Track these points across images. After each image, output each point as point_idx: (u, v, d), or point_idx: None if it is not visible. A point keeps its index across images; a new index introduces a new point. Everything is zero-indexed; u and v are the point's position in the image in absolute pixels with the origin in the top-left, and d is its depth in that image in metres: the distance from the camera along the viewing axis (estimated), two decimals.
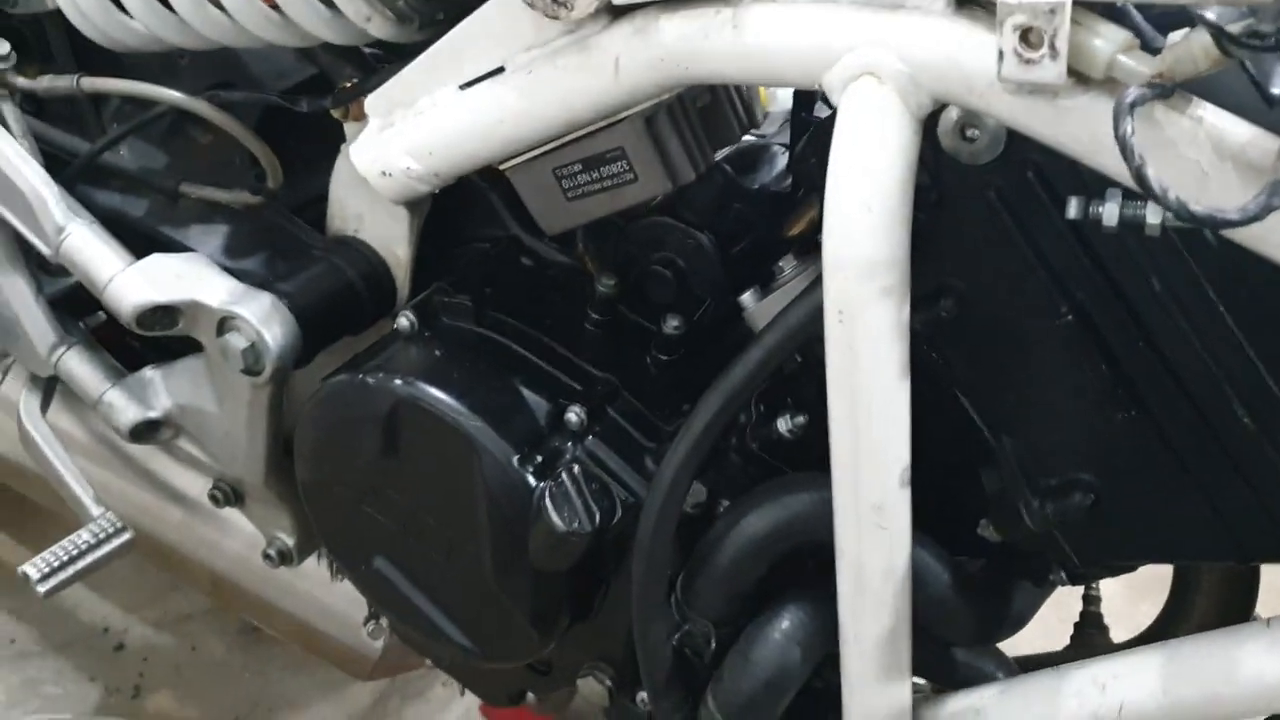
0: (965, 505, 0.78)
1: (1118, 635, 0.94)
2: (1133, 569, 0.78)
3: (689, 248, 0.87)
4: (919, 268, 0.66)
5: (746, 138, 0.93)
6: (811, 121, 0.85)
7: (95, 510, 1.04)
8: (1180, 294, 0.63)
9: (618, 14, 0.69)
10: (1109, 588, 0.97)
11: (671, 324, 0.86)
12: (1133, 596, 1.05)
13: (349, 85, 0.90)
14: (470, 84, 0.77)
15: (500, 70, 0.76)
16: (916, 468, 0.69)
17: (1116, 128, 0.49)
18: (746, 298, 0.83)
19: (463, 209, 0.94)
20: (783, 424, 0.82)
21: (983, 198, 0.66)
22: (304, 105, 0.94)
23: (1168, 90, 0.52)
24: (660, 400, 0.87)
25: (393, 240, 0.93)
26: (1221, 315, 0.63)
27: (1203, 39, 0.51)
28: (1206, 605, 0.86)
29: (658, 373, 0.88)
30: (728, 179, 0.90)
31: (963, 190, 0.66)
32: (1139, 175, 0.48)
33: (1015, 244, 0.66)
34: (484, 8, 0.75)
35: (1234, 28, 0.49)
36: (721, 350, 0.80)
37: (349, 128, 0.91)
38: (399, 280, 0.95)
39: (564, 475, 0.80)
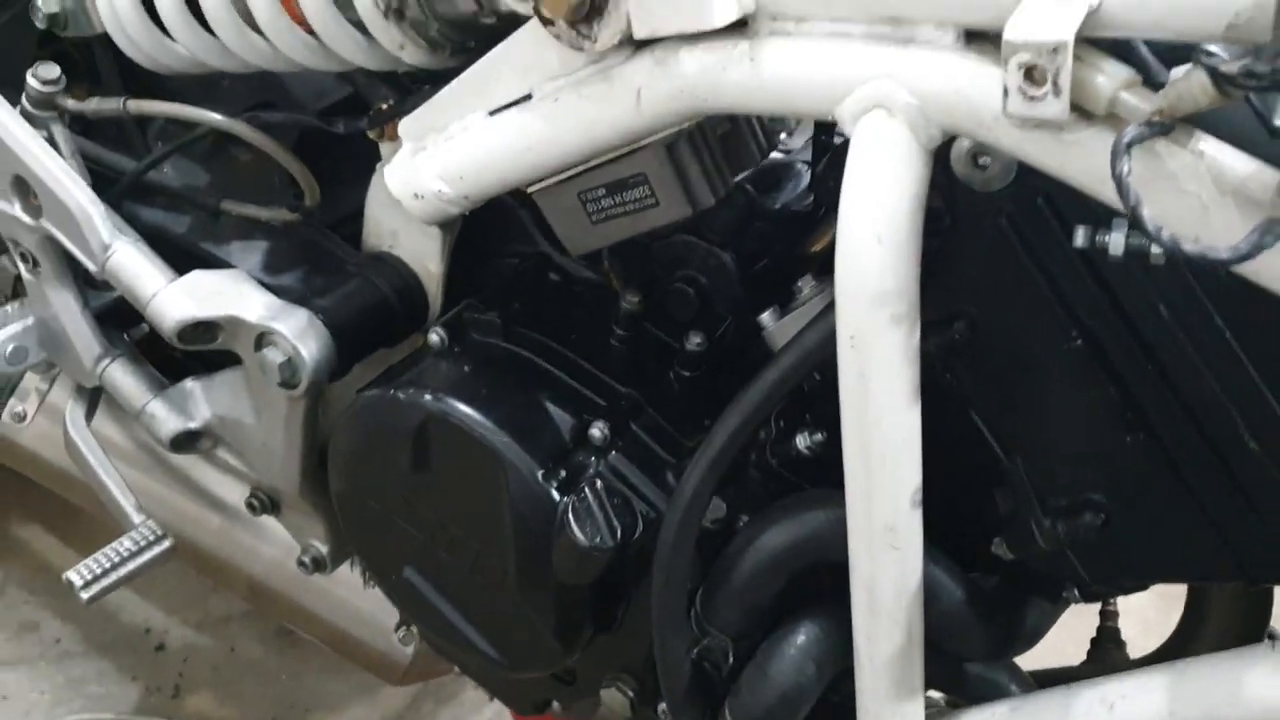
0: (981, 522, 0.79)
1: (1149, 645, 0.95)
2: (1144, 588, 0.79)
3: (711, 266, 0.88)
4: (933, 292, 0.67)
5: (773, 154, 0.95)
6: (832, 143, 0.87)
7: (137, 518, 1.07)
8: (1187, 320, 0.64)
9: (639, 46, 0.70)
10: (1140, 598, 0.97)
11: (694, 341, 0.87)
12: (1165, 606, 1.05)
13: (384, 107, 0.93)
14: (499, 110, 0.80)
15: (528, 98, 0.78)
16: (934, 486, 0.71)
17: (1114, 167, 0.50)
18: (765, 317, 0.84)
19: (494, 226, 0.96)
20: (801, 441, 0.83)
21: (994, 224, 0.68)
22: (341, 127, 0.97)
23: (1167, 127, 0.53)
24: (683, 415, 0.89)
25: (426, 256, 0.96)
26: (1228, 341, 0.64)
27: (1202, 76, 0.52)
28: (1221, 622, 0.86)
29: (680, 388, 0.89)
30: (749, 199, 0.92)
31: (975, 216, 0.68)
32: (1134, 214, 0.50)
33: (1026, 270, 0.68)
34: (512, 37, 0.77)
35: (1231, 67, 0.50)
36: (743, 367, 0.81)
37: (384, 147, 0.94)
38: (431, 294, 0.97)
39: (587, 490, 0.82)
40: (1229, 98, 0.51)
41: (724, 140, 0.77)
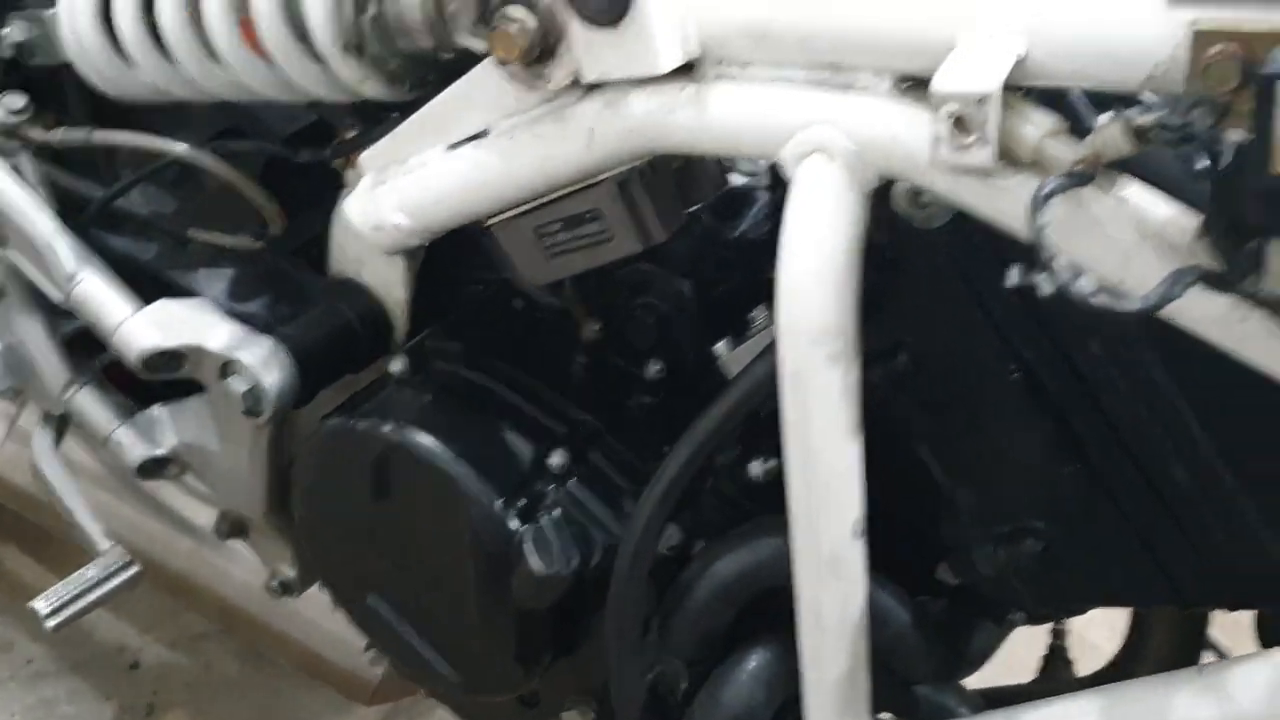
0: (927, 548, 0.81)
1: (1111, 650, 0.96)
2: (1085, 612, 0.81)
3: (670, 294, 0.90)
4: (876, 324, 0.69)
5: (737, 180, 0.96)
6: None
7: (103, 544, 1.08)
8: (1118, 354, 0.66)
9: (591, 87, 0.72)
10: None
11: (653, 368, 0.88)
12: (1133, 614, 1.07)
13: (347, 138, 0.94)
14: (457, 145, 0.81)
15: (485, 134, 0.79)
16: (880, 512, 0.72)
17: (1032, 218, 0.52)
18: (720, 347, 0.86)
19: (460, 252, 0.97)
20: (756, 468, 0.85)
21: (934, 260, 0.69)
22: (304, 156, 0.98)
23: (1087, 177, 0.55)
24: (642, 442, 0.90)
25: (390, 283, 0.97)
26: (1158, 375, 0.66)
27: (1122, 126, 0.54)
28: (1162, 642, 0.88)
29: (640, 415, 0.91)
30: (709, 228, 0.93)
31: (916, 252, 0.70)
32: (1048, 265, 0.52)
33: (965, 304, 0.69)
34: (470, 75, 0.78)
35: (1146, 119, 0.52)
36: (702, 394, 0.83)
37: (349, 175, 0.95)
38: (397, 320, 0.98)
39: (545, 519, 0.84)
40: (1147, 147, 0.53)
41: (678, 175, 0.79)
